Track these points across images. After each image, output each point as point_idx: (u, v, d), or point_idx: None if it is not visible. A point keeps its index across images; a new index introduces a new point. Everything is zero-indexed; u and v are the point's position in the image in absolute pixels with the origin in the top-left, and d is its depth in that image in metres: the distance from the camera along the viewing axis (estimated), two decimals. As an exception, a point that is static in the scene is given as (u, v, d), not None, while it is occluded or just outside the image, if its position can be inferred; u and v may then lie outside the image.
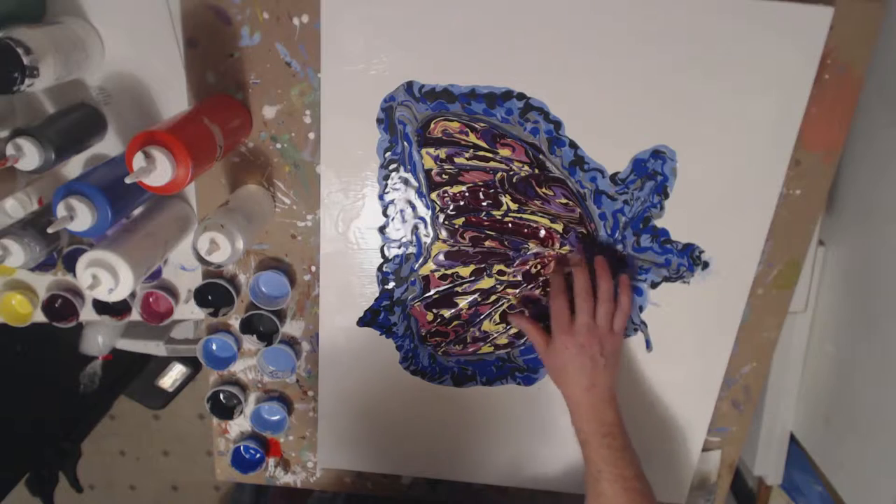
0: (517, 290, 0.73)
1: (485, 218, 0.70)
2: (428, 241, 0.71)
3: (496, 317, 0.75)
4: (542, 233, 0.70)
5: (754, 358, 0.76)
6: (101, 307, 0.79)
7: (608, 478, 0.64)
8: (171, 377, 1.58)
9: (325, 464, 0.84)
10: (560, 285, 0.68)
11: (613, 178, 0.67)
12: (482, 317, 0.75)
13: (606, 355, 0.66)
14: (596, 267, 0.68)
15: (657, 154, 0.66)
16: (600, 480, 0.64)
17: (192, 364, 1.57)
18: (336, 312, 0.75)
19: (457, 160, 0.68)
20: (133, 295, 0.77)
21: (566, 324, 0.66)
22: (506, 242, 0.71)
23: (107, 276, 0.57)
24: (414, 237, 0.71)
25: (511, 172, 0.68)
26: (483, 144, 0.67)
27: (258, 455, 0.82)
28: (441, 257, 0.72)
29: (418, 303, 0.74)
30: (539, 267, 0.72)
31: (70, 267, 0.76)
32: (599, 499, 0.65)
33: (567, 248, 0.71)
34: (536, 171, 0.68)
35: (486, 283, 0.73)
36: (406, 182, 0.69)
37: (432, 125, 0.66)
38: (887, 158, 0.75)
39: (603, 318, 0.66)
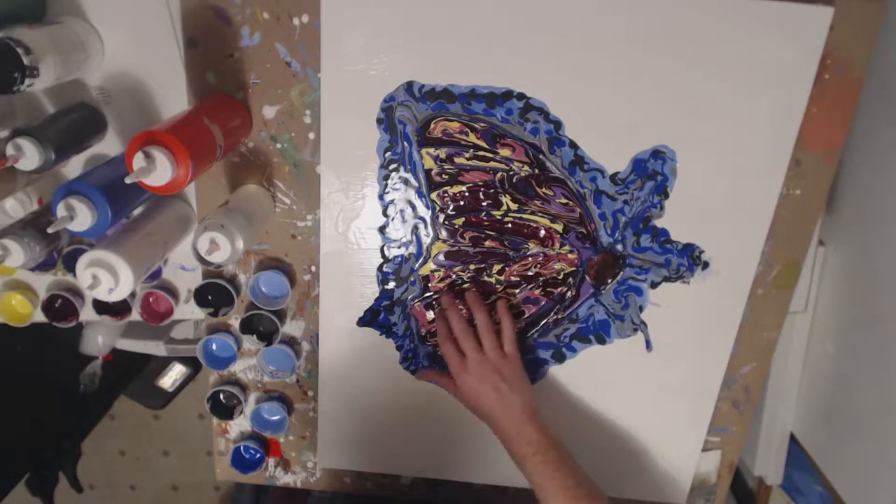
0: (517, 290, 0.73)
1: (485, 218, 0.70)
2: (428, 241, 0.71)
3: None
4: (542, 233, 0.70)
5: (754, 358, 0.76)
6: (101, 307, 0.79)
7: (551, 492, 0.64)
8: (171, 377, 1.58)
9: (325, 464, 0.84)
10: (444, 331, 0.71)
11: (613, 178, 0.67)
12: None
13: (508, 380, 0.68)
14: (468, 300, 0.71)
15: (657, 154, 0.66)
16: (547, 498, 0.64)
17: (192, 364, 1.57)
18: (336, 312, 0.75)
19: (457, 160, 0.68)
20: (133, 295, 0.77)
21: (459, 364, 0.69)
22: (506, 242, 0.71)
23: (107, 276, 0.57)
24: (414, 237, 0.71)
25: (511, 172, 0.68)
26: (483, 144, 0.67)
27: (258, 455, 0.82)
28: (441, 257, 0.72)
29: (418, 303, 0.74)
30: (538, 267, 0.72)
31: (70, 267, 0.76)
32: None
33: (567, 247, 0.71)
34: (536, 171, 0.68)
35: (486, 282, 0.73)
36: (406, 182, 0.69)
37: (432, 125, 0.67)
38: (887, 158, 0.75)
39: (489, 347, 0.69)
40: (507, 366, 0.69)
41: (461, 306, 0.72)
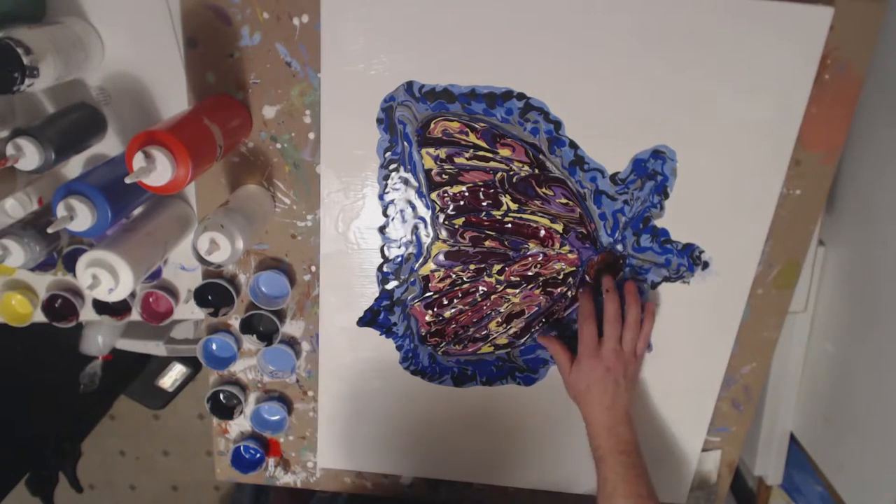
0: (517, 290, 0.73)
1: (485, 218, 0.70)
2: (428, 241, 0.71)
3: (498, 318, 0.75)
4: (542, 233, 0.70)
5: (754, 358, 0.76)
6: (101, 307, 0.79)
7: (623, 494, 0.65)
8: (171, 377, 1.58)
9: (325, 464, 0.84)
10: (590, 310, 0.71)
11: (613, 178, 0.67)
12: (483, 317, 0.75)
13: (628, 378, 0.69)
14: (626, 293, 0.70)
15: (657, 154, 0.66)
16: (615, 496, 0.65)
17: (192, 364, 1.57)
18: (336, 312, 0.75)
19: (457, 160, 0.68)
20: (133, 295, 0.77)
21: (594, 348, 0.69)
22: (506, 242, 0.71)
23: (107, 276, 0.57)
24: (414, 237, 0.71)
25: (511, 172, 0.68)
26: (483, 144, 0.67)
27: (258, 455, 0.82)
28: (441, 257, 0.72)
29: (418, 303, 0.74)
30: (538, 267, 0.72)
31: (70, 267, 0.76)
32: None
33: (567, 247, 0.71)
34: (536, 171, 0.68)
35: (486, 283, 0.73)
36: (406, 182, 0.69)
37: (432, 125, 0.66)
38: (887, 158, 0.75)
39: (629, 344, 0.70)
40: (633, 365, 0.70)
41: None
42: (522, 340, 0.76)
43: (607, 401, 0.68)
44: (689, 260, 0.70)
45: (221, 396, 0.80)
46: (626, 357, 0.69)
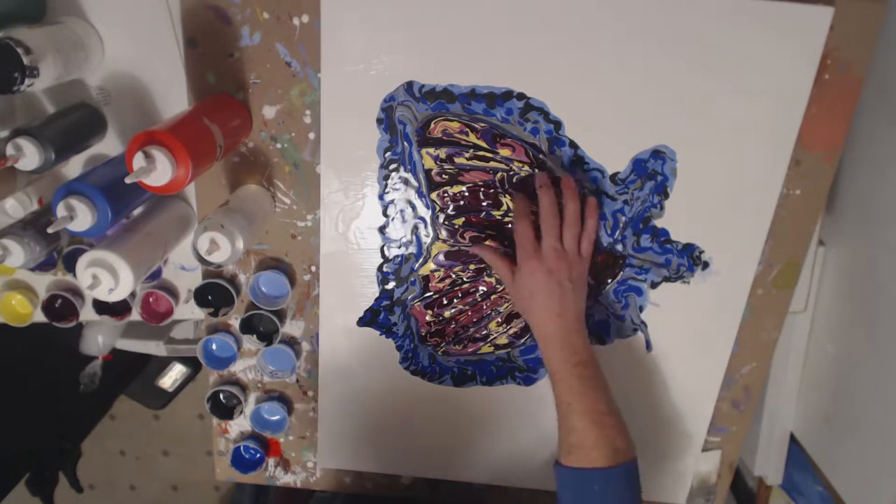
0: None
1: (485, 218, 0.70)
2: (428, 241, 0.71)
3: (497, 318, 0.75)
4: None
5: (754, 358, 0.76)
6: (101, 307, 0.79)
7: (578, 410, 0.61)
8: (171, 377, 1.58)
9: (325, 464, 0.84)
10: (524, 207, 0.65)
11: (613, 178, 0.67)
12: (483, 317, 0.75)
13: (574, 280, 0.63)
14: (563, 187, 0.64)
15: (657, 154, 0.66)
16: (570, 414, 0.61)
17: (192, 364, 1.57)
18: (336, 312, 0.75)
19: (457, 160, 0.68)
20: (133, 295, 0.77)
21: (532, 248, 0.63)
22: (506, 242, 0.71)
23: (107, 276, 0.57)
24: (414, 237, 0.71)
25: (511, 172, 0.68)
26: (483, 144, 0.67)
27: (258, 455, 0.82)
28: (441, 257, 0.72)
29: (418, 303, 0.74)
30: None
31: (70, 267, 0.76)
32: (570, 434, 0.62)
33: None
34: (536, 171, 0.68)
35: (486, 283, 0.73)
36: (406, 182, 0.69)
37: (432, 125, 0.66)
38: (887, 158, 0.75)
39: (570, 241, 0.64)
40: (579, 266, 0.64)
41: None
42: (522, 340, 0.76)
43: (555, 307, 0.62)
44: (689, 260, 0.70)
45: (221, 396, 0.80)
46: (569, 257, 0.63)
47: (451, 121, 0.66)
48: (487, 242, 0.70)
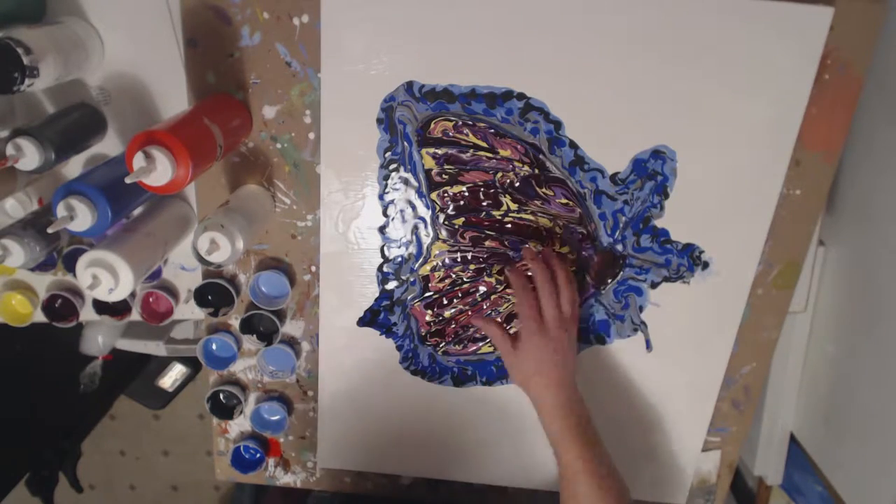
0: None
1: (485, 218, 0.70)
2: (428, 241, 0.71)
3: (497, 318, 0.75)
4: (543, 233, 0.70)
5: (754, 358, 0.76)
6: (101, 307, 0.79)
7: (584, 479, 0.62)
8: (171, 377, 1.58)
9: (325, 464, 0.84)
10: (523, 281, 0.67)
11: (613, 178, 0.67)
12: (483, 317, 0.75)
13: (571, 341, 0.66)
14: (546, 257, 0.68)
15: (657, 154, 0.66)
16: (577, 481, 0.62)
17: (192, 364, 1.57)
18: (336, 312, 0.75)
19: (457, 158, 0.68)
20: (133, 295, 0.77)
21: (537, 324, 0.65)
22: (506, 242, 0.71)
23: (107, 276, 0.57)
24: (414, 237, 0.71)
25: (511, 172, 0.68)
26: (483, 144, 0.67)
27: (258, 455, 0.82)
28: (442, 257, 0.72)
29: (418, 303, 0.74)
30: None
31: (70, 267, 0.76)
32: (576, 499, 0.63)
33: (567, 247, 0.71)
34: (536, 171, 0.68)
35: (486, 283, 0.73)
36: (406, 182, 0.69)
37: (432, 125, 0.66)
38: (887, 158, 0.75)
39: (567, 306, 0.66)
40: (573, 327, 0.67)
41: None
42: (522, 340, 0.76)
43: (558, 378, 0.64)
44: (689, 260, 0.70)
45: (221, 396, 0.80)
46: (567, 322, 0.66)
47: (452, 121, 0.66)
48: (490, 314, 0.73)
